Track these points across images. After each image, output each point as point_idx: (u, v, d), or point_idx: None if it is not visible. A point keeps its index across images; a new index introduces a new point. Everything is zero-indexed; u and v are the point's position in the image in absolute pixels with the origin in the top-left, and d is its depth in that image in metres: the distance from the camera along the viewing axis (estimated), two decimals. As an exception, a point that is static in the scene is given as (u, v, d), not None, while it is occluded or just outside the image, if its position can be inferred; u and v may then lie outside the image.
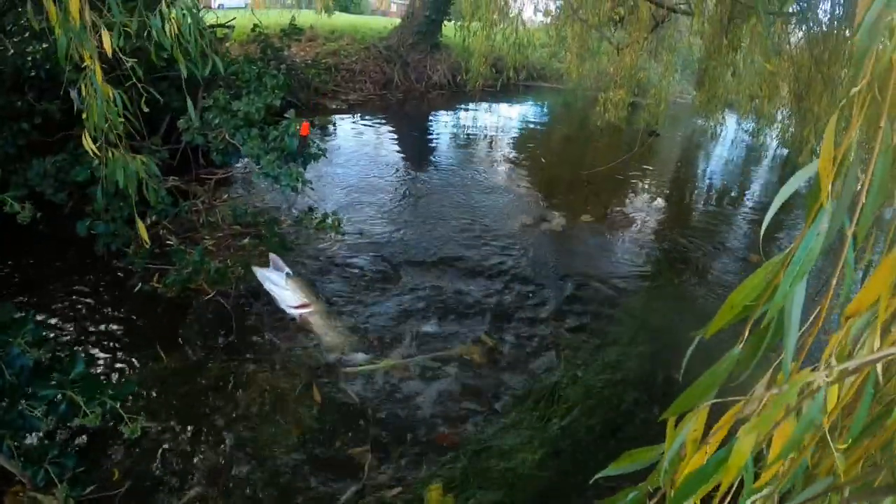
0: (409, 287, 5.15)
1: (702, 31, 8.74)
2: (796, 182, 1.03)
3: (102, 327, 4.37)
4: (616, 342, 4.73)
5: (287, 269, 4.60)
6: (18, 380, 2.60)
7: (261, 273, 4.61)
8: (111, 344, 4.19)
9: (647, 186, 8.81)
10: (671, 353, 4.47)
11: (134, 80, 3.58)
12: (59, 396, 2.64)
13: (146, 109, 3.77)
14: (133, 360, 4.06)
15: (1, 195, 2.72)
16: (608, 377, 4.30)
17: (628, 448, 1.29)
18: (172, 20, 3.47)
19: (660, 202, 8.23)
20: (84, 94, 3.92)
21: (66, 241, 5.14)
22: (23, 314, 2.93)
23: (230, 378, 3.94)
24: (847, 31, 7.08)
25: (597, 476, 1.32)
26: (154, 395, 3.79)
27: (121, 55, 3.40)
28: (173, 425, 3.56)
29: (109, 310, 4.57)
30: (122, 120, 4.05)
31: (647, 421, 3.86)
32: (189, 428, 3.56)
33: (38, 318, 4.28)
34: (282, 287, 4.52)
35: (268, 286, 4.57)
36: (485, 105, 12.07)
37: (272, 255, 4.72)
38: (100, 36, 3.35)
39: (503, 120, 11.49)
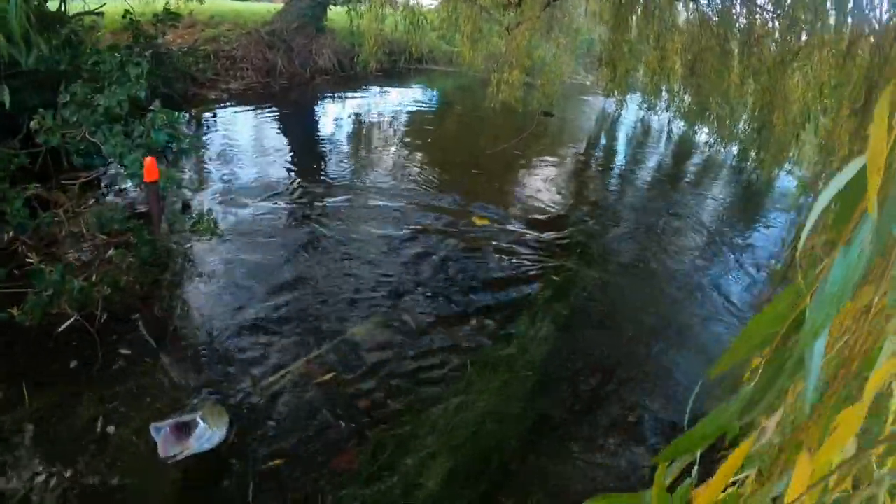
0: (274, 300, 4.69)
1: (595, 11, 8.77)
2: (838, 184, 0.76)
3: None
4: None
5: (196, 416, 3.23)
6: None
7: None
8: None
9: (542, 167, 8.69)
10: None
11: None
12: None
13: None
14: None
15: None
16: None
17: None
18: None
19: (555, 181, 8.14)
20: None
21: None
22: None
23: (99, 420, 3.42)
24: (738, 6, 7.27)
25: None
26: (16, 444, 3.24)
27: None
28: (35, 483, 3.03)
29: None
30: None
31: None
32: (54, 483, 3.05)
33: None
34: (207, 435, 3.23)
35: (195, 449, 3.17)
36: (374, 90, 11.73)
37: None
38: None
39: (394, 105, 11.18)
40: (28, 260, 4.82)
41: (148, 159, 4.64)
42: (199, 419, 3.17)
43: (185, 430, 3.13)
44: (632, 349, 4.60)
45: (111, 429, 3.38)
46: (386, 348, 4.27)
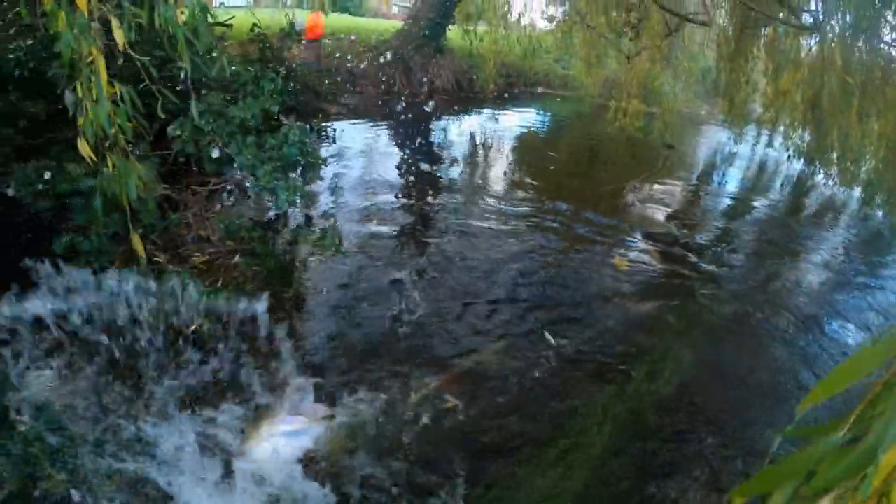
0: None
1: (717, 41, 8.44)
2: None
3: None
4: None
5: None
6: None
7: None
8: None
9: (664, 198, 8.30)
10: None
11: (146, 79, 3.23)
12: None
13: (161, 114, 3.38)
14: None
15: None
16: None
17: None
18: (181, 12, 3.11)
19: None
20: (80, 94, 3.53)
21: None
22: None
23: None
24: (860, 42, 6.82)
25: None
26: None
27: (130, 51, 3.03)
28: None
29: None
30: (132, 124, 3.70)
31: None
32: None
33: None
34: None
35: None
36: (490, 111, 11.67)
37: None
38: (107, 30, 3.01)
39: (509, 128, 11.07)
40: (156, 259, 5.08)
41: (310, 17, 4.74)
42: None
43: None
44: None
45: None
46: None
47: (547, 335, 4.66)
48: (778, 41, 7.55)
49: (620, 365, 4.45)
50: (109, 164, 4.30)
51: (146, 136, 5.77)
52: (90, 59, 2.98)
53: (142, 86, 3.70)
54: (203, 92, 5.75)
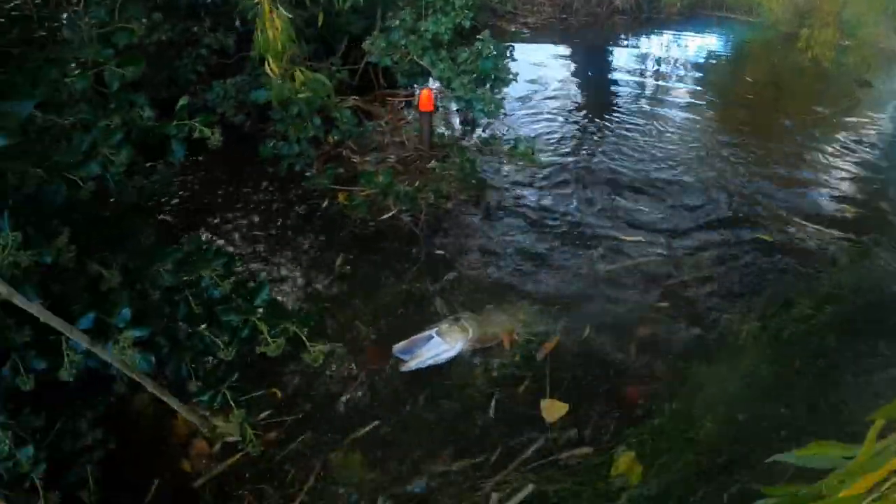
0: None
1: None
2: None
3: (286, 248, 4.64)
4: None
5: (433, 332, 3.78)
6: (206, 309, 2.63)
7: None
8: (295, 265, 4.47)
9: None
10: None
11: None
12: (243, 324, 2.62)
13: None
14: (318, 280, 4.32)
15: (189, 121, 2.67)
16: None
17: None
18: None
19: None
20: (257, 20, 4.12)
21: (246, 164, 5.37)
22: (209, 245, 2.97)
23: (414, 302, 4.08)
24: None
25: (773, 458, 1.21)
26: (336, 317, 3.97)
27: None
28: (355, 350, 3.73)
29: (292, 231, 4.83)
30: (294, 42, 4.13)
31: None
32: (369, 353, 3.72)
33: (223, 240, 4.63)
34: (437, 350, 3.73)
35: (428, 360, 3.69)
36: (670, 34, 11.07)
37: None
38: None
39: (689, 52, 10.45)
40: (353, 162, 5.55)
41: (425, 92, 5.09)
42: (434, 334, 3.68)
43: (421, 343, 3.66)
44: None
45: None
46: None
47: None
48: None
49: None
50: (297, 79, 4.82)
51: (333, 53, 6.21)
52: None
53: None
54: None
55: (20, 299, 2.00)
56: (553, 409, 3.35)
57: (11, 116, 2.01)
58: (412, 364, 3.56)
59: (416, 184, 4.91)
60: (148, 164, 3.54)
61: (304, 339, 2.60)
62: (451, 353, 3.66)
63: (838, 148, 6.47)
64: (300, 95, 4.85)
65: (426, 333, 3.70)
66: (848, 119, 7.23)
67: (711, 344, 3.85)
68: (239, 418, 2.68)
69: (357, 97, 6.28)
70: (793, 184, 5.75)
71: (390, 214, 4.80)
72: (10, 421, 2.27)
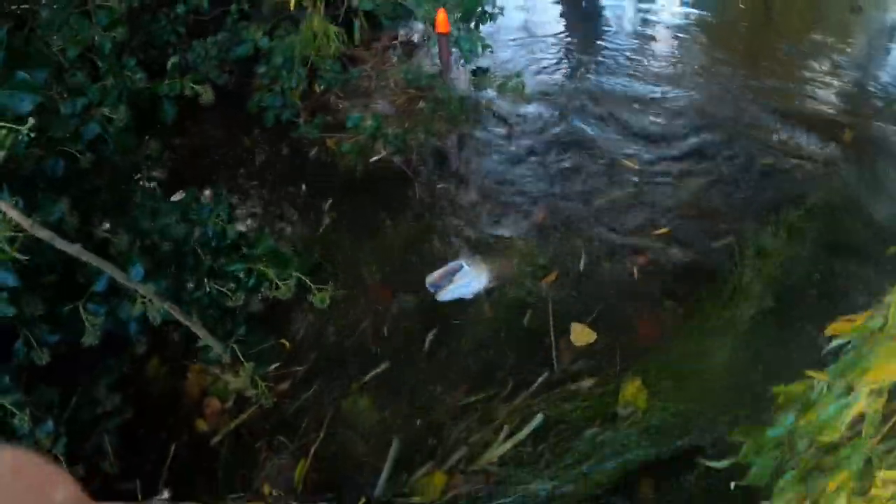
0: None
1: None
2: None
3: (282, 197, 4.68)
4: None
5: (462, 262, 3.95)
6: (212, 259, 2.72)
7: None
8: (291, 214, 4.53)
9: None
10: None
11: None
12: (247, 273, 2.72)
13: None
14: (316, 227, 4.37)
15: (180, 80, 2.70)
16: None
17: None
18: None
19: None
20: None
21: (233, 120, 5.29)
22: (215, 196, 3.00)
23: (415, 243, 4.14)
24: None
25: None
26: (340, 262, 4.02)
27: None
28: (358, 294, 3.78)
29: (284, 181, 4.85)
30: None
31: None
32: (372, 296, 3.78)
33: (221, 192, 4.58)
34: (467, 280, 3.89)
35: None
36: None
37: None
38: None
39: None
40: (341, 107, 5.53)
41: (440, 12, 4.96)
42: (463, 264, 3.84)
43: (451, 273, 3.81)
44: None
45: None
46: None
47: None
48: None
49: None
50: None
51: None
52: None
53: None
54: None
55: (60, 242, 2.07)
56: (582, 335, 3.48)
57: (29, 84, 2.07)
58: (443, 293, 3.71)
59: (406, 125, 4.94)
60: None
61: (308, 283, 2.70)
62: (480, 285, 3.78)
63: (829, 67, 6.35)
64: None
65: (456, 262, 3.87)
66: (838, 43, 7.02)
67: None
68: (249, 371, 2.79)
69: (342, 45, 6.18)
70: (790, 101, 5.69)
71: (379, 157, 4.84)
72: (27, 397, 2.30)
